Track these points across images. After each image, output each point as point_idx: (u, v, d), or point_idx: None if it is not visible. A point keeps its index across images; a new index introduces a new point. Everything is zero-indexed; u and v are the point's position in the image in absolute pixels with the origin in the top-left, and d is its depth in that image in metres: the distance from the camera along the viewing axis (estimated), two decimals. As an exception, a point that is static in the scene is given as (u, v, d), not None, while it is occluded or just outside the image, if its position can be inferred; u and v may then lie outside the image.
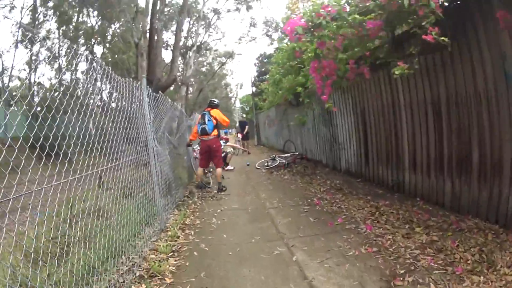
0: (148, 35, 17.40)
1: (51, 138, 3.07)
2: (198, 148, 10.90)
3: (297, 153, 14.67)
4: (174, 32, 21.90)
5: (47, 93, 4.16)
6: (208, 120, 9.47)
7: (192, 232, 6.12)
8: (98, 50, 33.36)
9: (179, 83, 24.28)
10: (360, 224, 5.82)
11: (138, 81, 6.03)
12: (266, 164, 14.22)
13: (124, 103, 5.02)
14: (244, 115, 23.90)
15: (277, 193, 8.86)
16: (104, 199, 4.42)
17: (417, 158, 6.82)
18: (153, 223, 6.10)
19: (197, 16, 28.10)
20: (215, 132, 9.54)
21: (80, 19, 27.48)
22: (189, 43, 29.08)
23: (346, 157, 10.35)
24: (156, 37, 16.63)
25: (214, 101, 10.29)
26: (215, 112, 9.64)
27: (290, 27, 6.23)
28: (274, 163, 13.88)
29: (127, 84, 5.12)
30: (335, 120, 10.81)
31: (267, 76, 22.27)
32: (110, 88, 4.99)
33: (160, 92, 7.80)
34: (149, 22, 17.44)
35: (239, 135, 20.97)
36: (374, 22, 5.63)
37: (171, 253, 5.12)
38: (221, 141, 10.25)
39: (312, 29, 6.20)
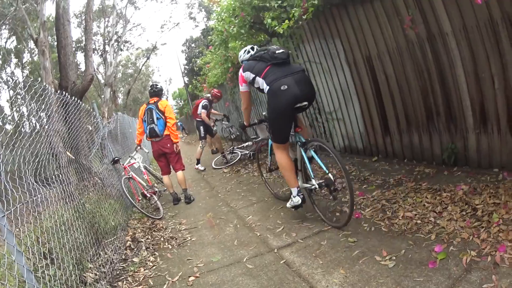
0: (55, 30, 13.99)
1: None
2: (132, 162, 7.99)
3: (259, 138, 11.53)
4: (84, 18, 18.41)
5: None
6: (158, 118, 7.43)
7: None
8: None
9: (104, 85, 21.52)
10: (481, 247, 3.04)
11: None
12: (225, 161, 11.24)
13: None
14: (209, 95, 14.51)
15: (268, 209, 5.77)
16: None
17: (488, 108, 4.39)
18: None
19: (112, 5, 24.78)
20: (167, 131, 7.48)
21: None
22: (105, 37, 26.24)
23: (344, 130, 7.46)
24: (64, 32, 13.35)
25: (157, 85, 7.99)
26: (163, 105, 7.53)
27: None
28: (235, 158, 10.95)
29: None
30: (315, 82, 7.75)
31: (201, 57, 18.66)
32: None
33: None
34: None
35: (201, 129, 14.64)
36: None
37: None
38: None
39: None
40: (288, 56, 4.57)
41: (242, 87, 5.07)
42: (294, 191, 4.63)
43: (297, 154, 4.78)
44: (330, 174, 4.24)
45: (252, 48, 5.38)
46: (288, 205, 4.82)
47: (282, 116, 4.45)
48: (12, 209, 2.86)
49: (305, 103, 4.41)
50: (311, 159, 4.52)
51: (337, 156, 4.14)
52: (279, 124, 4.57)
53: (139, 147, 8.12)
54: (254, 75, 4.65)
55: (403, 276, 2.92)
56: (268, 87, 4.39)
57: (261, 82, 4.54)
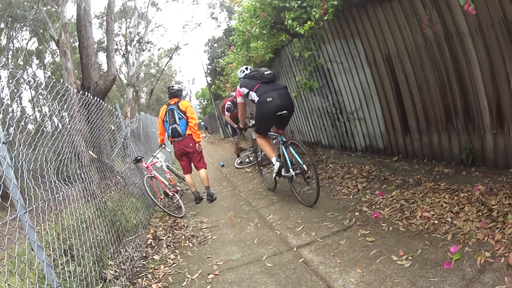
0: (76, 32, 14.38)
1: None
2: (155, 161, 8.05)
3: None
4: (105, 19, 18.49)
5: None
6: (180, 118, 7.56)
7: None
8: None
9: (126, 85, 21.60)
10: (495, 248, 3.05)
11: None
12: (248, 160, 11.26)
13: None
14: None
15: (289, 208, 5.84)
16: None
17: (504, 108, 4.33)
18: None
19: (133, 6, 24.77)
20: (189, 130, 7.60)
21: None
22: (127, 38, 26.36)
23: (365, 130, 7.44)
24: (85, 33, 13.59)
25: (173, 87, 8.05)
26: (184, 105, 7.67)
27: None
28: (257, 158, 10.81)
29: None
30: (336, 81, 7.83)
31: (224, 57, 18.76)
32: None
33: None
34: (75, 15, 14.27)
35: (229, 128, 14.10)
36: None
37: None
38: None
39: None
40: (274, 76, 6.17)
41: (239, 99, 6.71)
42: (274, 159, 6.08)
43: (280, 150, 6.20)
44: (304, 165, 5.55)
45: (246, 68, 7.00)
46: (273, 174, 6.24)
47: (266, 118, 6.00)
48: (34, 206, 2.91)
49: (285, 111, 5.85)
50: (291, 154, 5.91)
51: (307, 150, 5.60)
52: (263, 123, 6.19)
53: (163, 146, 8.24)
54: (248, 90, 6.21)
55: (419, 276, 2.96)
56: (258, 98, 5.94)
57: (253, 95, 6.07)
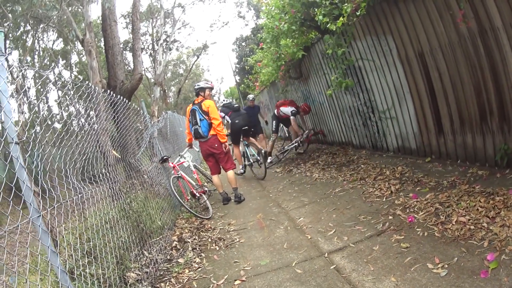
0: (101, 31, 14.51)
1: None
2: (182, 161, 8.10)
3: (306, 131, 11.32)
4: (131, 19, 18.65)
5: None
6: (201, 120, 7.42)
7: None
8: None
9: (153, 84, 21.78)
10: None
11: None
12: (276, 160, 11.45)
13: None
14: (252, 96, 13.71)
15: (320, 211, 5.69)
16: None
17: None
18: None
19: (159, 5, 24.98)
20: (213, 131, 7.46)
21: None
22: (154, 37, 26.62)
23: (397, 130, 7.30)
24: (111, 33, 13.82)
25: (195, 86, 7.94)
26: (206, 105, 7.45)
27: None
28: (286, 154, 11.35)
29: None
30: (367, 80, 7.73)
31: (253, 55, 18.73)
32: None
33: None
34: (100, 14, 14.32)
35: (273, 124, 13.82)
36: None
37: None
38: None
39: None
40: (239, 107, 10.01)
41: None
42: (242, 165, 10.44)
43: (243, 149, 10.13)
44: (257, 156, 9.56)
45: (224, 100, 10.73)
46: (238, 172, 10.11)
47: (236, 132, 9.70)
48: (49, 209, 2.85)
49: (246, 127, 9.57)
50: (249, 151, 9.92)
51: (258, 148, 9.71)
52: (235, 135, 9.81)
53: (190, 146, 8.25)
54: (224, 114, 9.77)
55: (455, 286, 2.85)
56: (231, 121, 9.65)
57: (227, 118, 9.73)
